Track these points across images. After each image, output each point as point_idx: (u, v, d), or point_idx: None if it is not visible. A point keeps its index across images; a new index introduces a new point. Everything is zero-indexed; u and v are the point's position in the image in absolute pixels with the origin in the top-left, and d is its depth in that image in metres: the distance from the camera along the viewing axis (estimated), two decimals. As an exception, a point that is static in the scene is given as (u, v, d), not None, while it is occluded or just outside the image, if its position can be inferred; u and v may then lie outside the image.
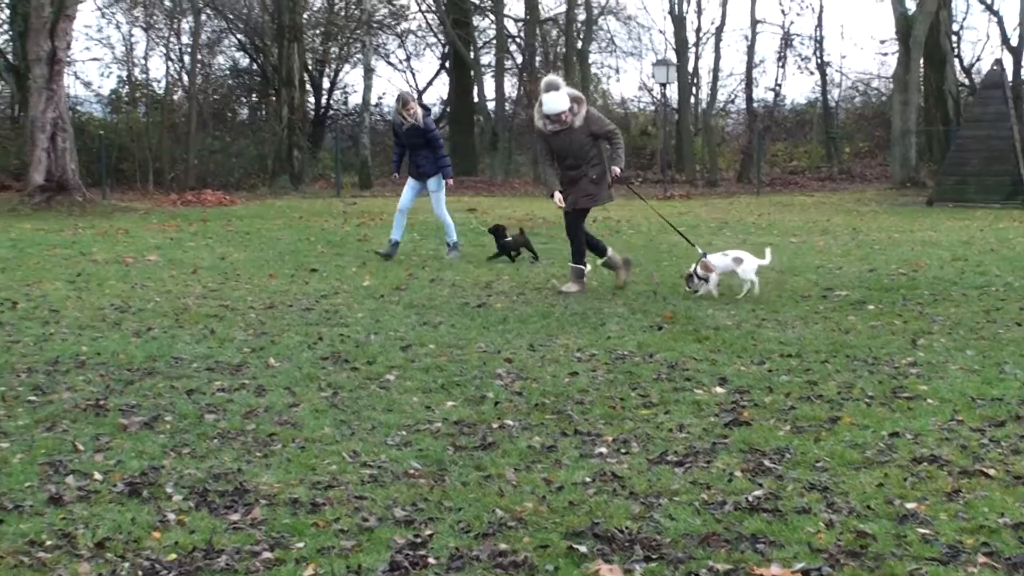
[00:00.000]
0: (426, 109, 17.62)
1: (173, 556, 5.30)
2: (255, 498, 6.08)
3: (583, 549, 5.27)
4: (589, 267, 14.07)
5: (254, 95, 48.82)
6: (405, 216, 17.51)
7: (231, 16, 45.82)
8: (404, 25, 51.13)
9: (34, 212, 26.57)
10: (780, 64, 51.12)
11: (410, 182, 17.46)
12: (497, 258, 16.71)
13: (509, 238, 16.85)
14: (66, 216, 25.85)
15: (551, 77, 13.86)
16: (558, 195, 13.64)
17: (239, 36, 47.10)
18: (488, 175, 44.38)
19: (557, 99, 13.29)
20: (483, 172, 45.69)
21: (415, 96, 17.52)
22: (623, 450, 6.90)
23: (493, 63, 48.68)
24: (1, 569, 5.15)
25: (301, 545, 5.43)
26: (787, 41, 48.89)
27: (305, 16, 45.21)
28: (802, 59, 53.34)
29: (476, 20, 48.79)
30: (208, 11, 44.90)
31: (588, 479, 6.30)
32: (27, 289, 13.70)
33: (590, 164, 13.60)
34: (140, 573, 5.12)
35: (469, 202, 28.57)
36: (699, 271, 13.18)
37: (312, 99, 48.14)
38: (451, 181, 17.81)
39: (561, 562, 5.16)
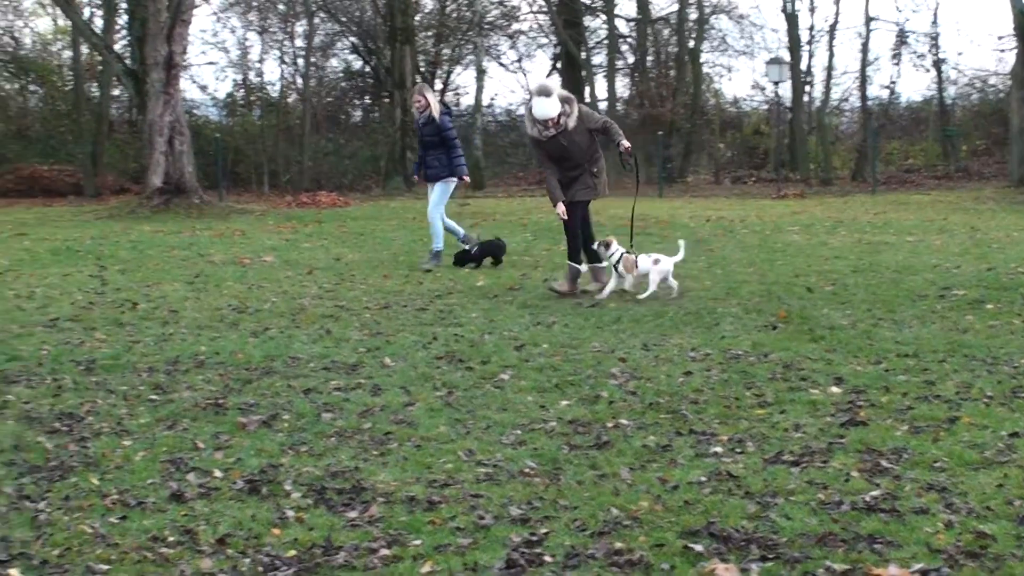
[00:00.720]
0: (445, 108, 17.34)
1: (293, 552, 5.38)
2: (372, 496, 6.16)
3: (699, 548, 5.27)
4: (585, 267, 13.92)
5: (367, 97, 49.17)
6: (448, 219, 17.40)
7: (344, 19, 46.21)
8: (515, 26, 51.15)
9: (153, 214, 26.95)
10: (895, 61, 50.13)
11: (428, 187, 17.27)
12: (462, 266, 16.52)
13: (472, 247, 16.68)
14: (184, 218, 26.22)
15: (543, 82, 13.63)
16: (562, 207, 13.41)
17: (352, 39, 47.49)
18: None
19: (548, 104, 13.02)
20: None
21: (431, 89, 17.01)
22: (738, 449, 6.88)
23: (605, 63, 48.59)
24: (125, 564, 5.26)
25: (418, 542, 5.48)
26: (902, 38, 48.22)
27: (417, 18, 45.47)
28: (917, 56, 52.40)
29: (587, 20, 48.72)
30: (321, 14, 45.36)
31: (703, 478, 6.29)
32: (147, 290, 13.92)
33: (590, 161, 13.50)
34: (260, 569, 5.21)
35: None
36: (620, 267, 13.25)
37: (425, 101, 48.35)
38: (467, 178, 17.53)
39: (677, 561, 5.17)
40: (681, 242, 13.45)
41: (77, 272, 15.81)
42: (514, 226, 22.30)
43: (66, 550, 5.42)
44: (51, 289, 14.04)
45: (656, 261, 13.12)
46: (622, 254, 13.24)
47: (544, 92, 13.13)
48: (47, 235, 21.71)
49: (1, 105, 46.16)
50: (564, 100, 13.19)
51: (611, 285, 13.20)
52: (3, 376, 9.05)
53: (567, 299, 12.95)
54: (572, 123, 13.19)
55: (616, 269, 13.22)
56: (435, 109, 16.71)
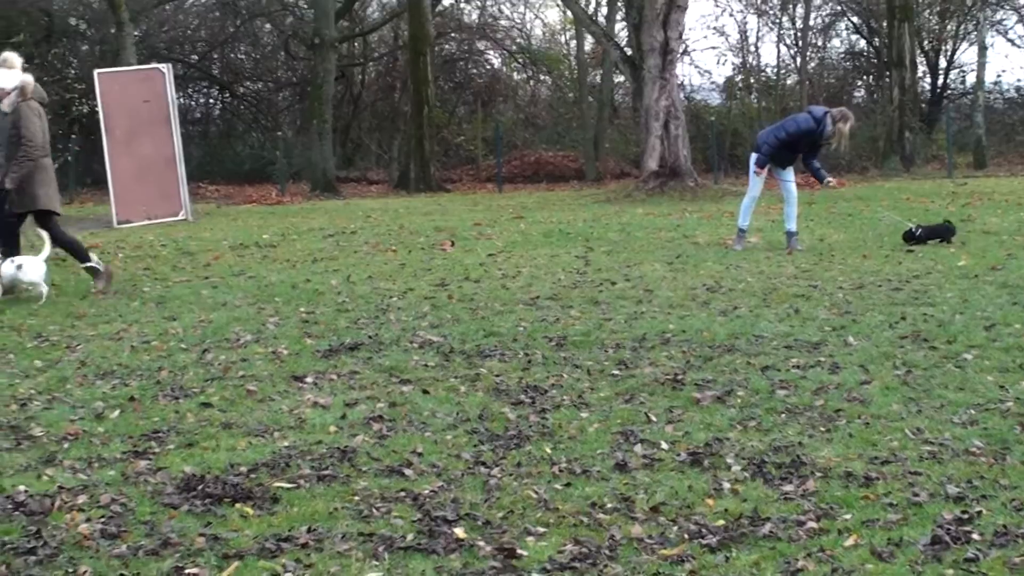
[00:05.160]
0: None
1: (721, 522, 5.51)
2: (810, 471, 6.21)
3: None
4: None
5: (870, 77, 48.40)
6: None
7: (844, -1, 45.69)
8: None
9: (647, 197, 27.40)
10: None
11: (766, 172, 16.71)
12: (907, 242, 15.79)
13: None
14: (677, 201, 26.56)
15: (7, 53, 13.54)
16: None
17: (853, 19, 46.89)
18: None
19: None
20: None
21: None
22: None
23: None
24: (561, 527, 5.52)
25: (848, 517, 5.52)
26: None
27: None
28: None
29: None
30: (820, -6, 45.02)
31: None
32: (627, 270, 14.26)
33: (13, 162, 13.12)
34: (686, 536, 5.35)
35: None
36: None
37: (928, 79, 47.19)
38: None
39: (1111, 545, 4.99)
40: (45, 235, 13.19)
41: (565, 253, 16.35)
42: (1010, 206, 21.50)
43: (509, 512, 5.73)
44: (537, 269, 14.59)
45: (20, 266, 12.73)
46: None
47: (2, 63, 13.35)
48: (543, 218, 22.49)
49: (512, 94, 48.17)
50: (22, 84, 13.20)
51: None
52: (479, 351, 9.53)
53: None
54: (7, 108, 13.13)
55: None
56: None
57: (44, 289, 12.71)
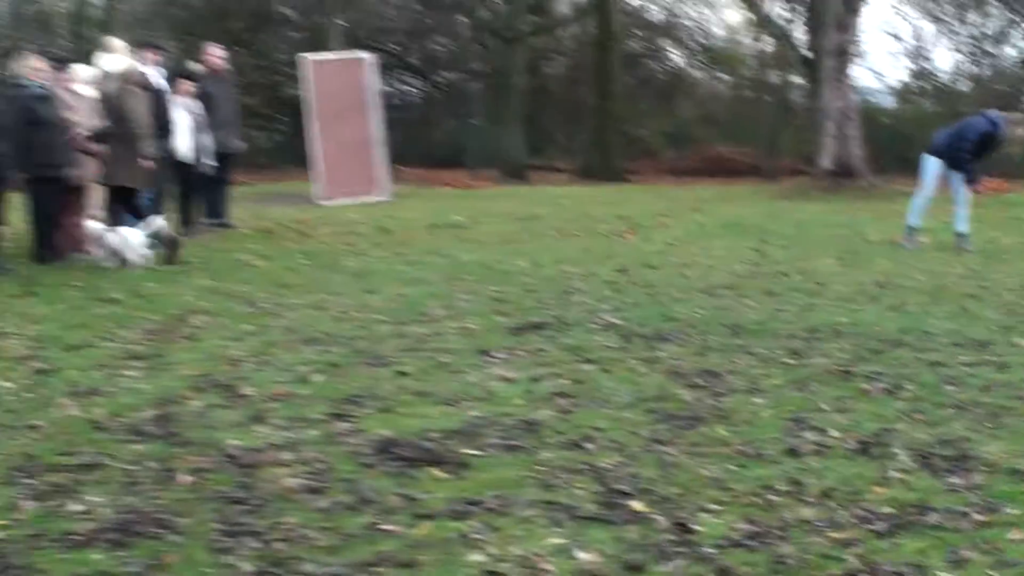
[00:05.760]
0: None
1: (888, 509, 5.46)
2: (976, 465, 6.12)
3: None
4: None
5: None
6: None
7: (1017, 6, 44.48)
8: None
9: (821, 195, 27.04)
10: None
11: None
12: None
13: None
14: (849, 199, 26.14)
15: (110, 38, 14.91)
16: None
17: (1029, 26, 45.74)
18: None
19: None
20: None
21: None
22: None
23: None
24: (734, 507, 5.52)
25: (1013, 511, 5.44)
26: None
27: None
28: None
29: None
30: (994, 1, 43.85)
31: None
32: (800, 264, 14.08)
33: None
34: (855, 520, 5.32)
35: None
36: None
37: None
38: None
39: None
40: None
41: (740, 245, 16.22)
42: None
43: (685, 490, 5.74)
44: (714, 259, 14.49)
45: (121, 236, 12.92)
46: None
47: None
48: (720, 211, 22.29)
49: (691, 91, 47.89)
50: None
51: None
52: (658, 334, 9.53)
53: None
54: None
55: None
56: None
57: (138, 258, 13.07)
